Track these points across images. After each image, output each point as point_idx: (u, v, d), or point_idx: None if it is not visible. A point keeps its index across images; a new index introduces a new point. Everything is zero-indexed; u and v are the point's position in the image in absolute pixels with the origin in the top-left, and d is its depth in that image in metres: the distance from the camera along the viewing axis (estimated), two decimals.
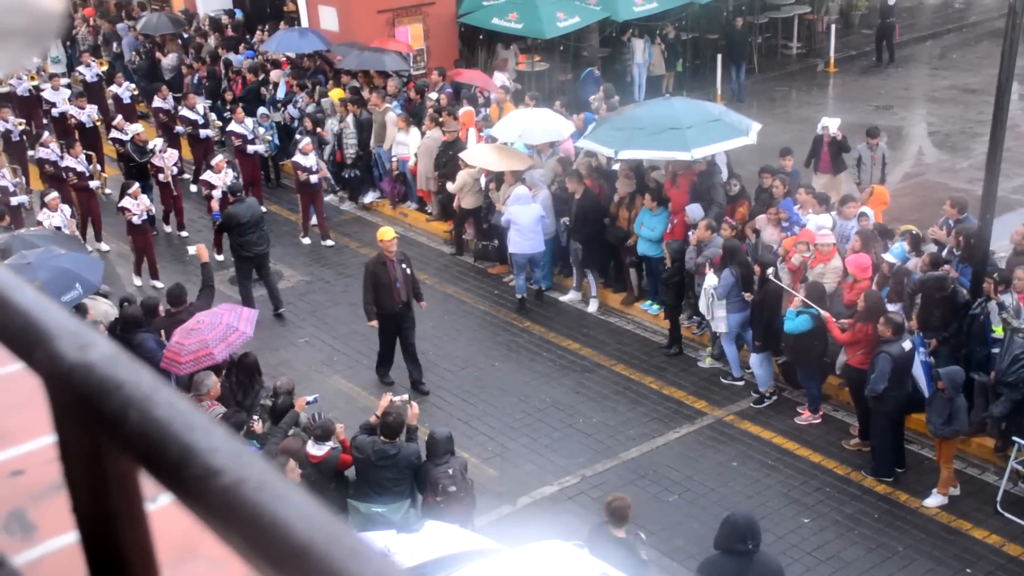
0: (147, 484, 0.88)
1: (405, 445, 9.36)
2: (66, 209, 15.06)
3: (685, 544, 10.06)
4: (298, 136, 17.64)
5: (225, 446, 0.80)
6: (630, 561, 7.99)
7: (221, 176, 15.94)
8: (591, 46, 22.28)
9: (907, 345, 10.51)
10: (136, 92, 21.52)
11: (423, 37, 21.63)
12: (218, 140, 19.56)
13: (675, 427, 12.02)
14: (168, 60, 22.83)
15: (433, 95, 18.11)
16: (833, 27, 25.16)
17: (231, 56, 21.84)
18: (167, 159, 16.76)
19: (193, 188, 18.50)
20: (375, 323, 12.61)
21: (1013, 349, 10.44)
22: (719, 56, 22.61)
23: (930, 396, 10.53)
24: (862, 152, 15.55)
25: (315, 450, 9.31)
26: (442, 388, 12.91)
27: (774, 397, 12.41)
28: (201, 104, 19.14)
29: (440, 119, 16.76)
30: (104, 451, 0.87)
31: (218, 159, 16.31)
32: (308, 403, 10.12)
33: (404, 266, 12.49)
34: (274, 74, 20.44)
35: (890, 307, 11.14)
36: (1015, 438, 10.42)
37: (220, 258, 16.13)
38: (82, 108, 19.26)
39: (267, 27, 22.89)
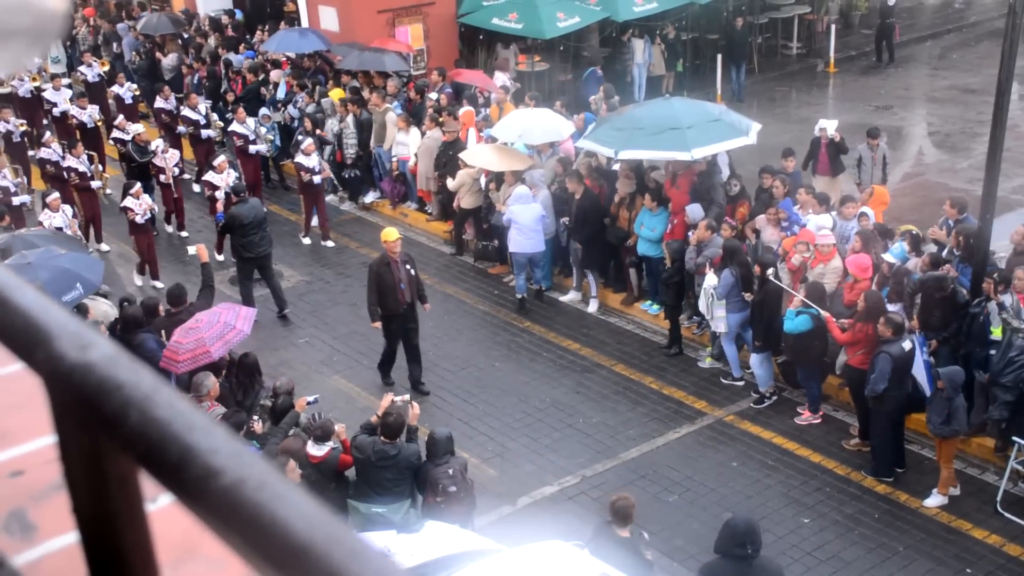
0: (147, 484, 0.88)
1: (405, 446, 9.35)
2: (67, 210, 15.06)
3: (685, 544, 10.06)
4: (300, 137, 17.64)
5: (225, 446, 0.80)
6: (634, 561, 7.99)
7: (223, 177, 15.93)
8: (591, 46, 22.29)
9: (907, 345, 10.51)
10: (138, 92, 21.52)
11: (423, 37, 21.63)
12: (219, 141, 19.56)
13: (675, 427, 12.02)
14: (168, 60, 22.83)
15: (433, 95, 18.11)
16: (833, 27, 25.16)
17: (231, 56, 21.83)
18: (168, 159, 16.75)
19: (196, 188, 18.50)
20: (378, 324, 12.59)
21: (1010, 351, 10.45)
22: (719, 56, 22.61)
23: (931, 396, 10.54)
24: (863, 153, 15.54)
25: (315, 450, 9.31)
26: (442, 388, 12.91)
27: (774, 397, 12.41)
28: (203, 104, 19.14)
29: (440, 119, 16.76)
30: (104, 451, 0.87)
31: (220, 159, 16.29)
32: (309, 403, 10.12)
33: (408, 267, 12.48)
34: (274, 74, 20.44)
35: (890, 307, 11.14)
36: (1015, 438, 10.42)
37: (220, 258, 16.13)
38: (83, 108, 19.27)
39: (267, 27, 22.88)
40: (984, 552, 9.97)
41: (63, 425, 0.90)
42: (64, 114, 19.68)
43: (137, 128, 17.36)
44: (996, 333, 10.65)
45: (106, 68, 22.80)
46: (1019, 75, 14.27)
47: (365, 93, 18.57)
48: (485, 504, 10.17)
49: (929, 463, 11.08)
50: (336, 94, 18.83)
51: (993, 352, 10.71)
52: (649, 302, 14.37)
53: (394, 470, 9.25)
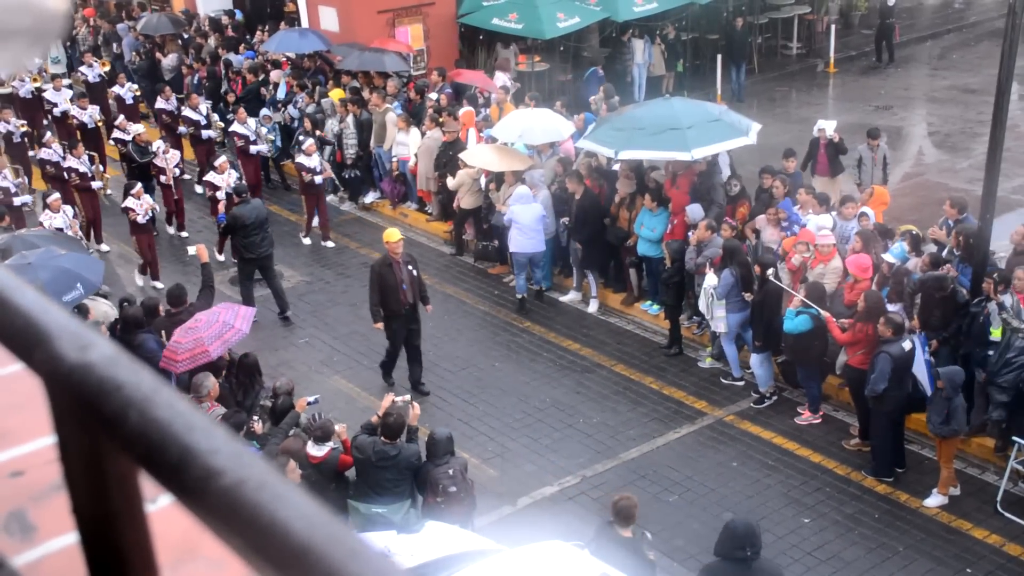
0: (147, 485, 0.88)
1: (406, 446, 9.35)
2: (68, 210, 15.06)
3: (685, 544, 10.06)
4: (301, 137, 17.64)
5: (225, 447, 0.80)
6: (637, 561, 8.00)
7: (225, 177, 15.93)
8: (591, 46, 22.29)
9: (907, 345, 10.51)
10: (139, 93, 21.52)
11: (423, 37, 21.63)
12: (219, 141, 19.56)
13: (675, 427, 12.02)
14: (168, 60, 22.83)
15: (433, 95, 18.12)
16: (833, 27, 25.17)
17: (231, 56, 21.83)
18: (169, 160, 16.75)
19: (199, 190, 18.50)
20: (380, 325, 12.56)
21: (1008, 352, 10.45)
22: (719, 56, 22.61)
23: (931, 395, 10.54)
24: (863, 153, 15.53)
25: (315, 451, 9.31)
26: (442, 388, 12.91)
27: (774, 397, 12.41)
28: (204, 105, 19.14)
29: (440, 119, 16.76)
30: (104, 452, 0.87)
31: (221, 160, 16.28)
32: (309, 403, 10.12)
33: (411, 268, 12.45)
34: (274, 74, 20.44)
35: (890, 307, 11.14)
36: (1015, 438, 10.42)
37: (221, 259, 16.13)
38: (84, 109, 19.27)
39: (267, 27, 22.88)
40: (984, 552, 9.97)
41: (63, 425, 0.90)
42: (64, 114, 19.68)
43: (137, 128, 17.36)
44: (995, 334, 10.64)
45: (107, 68, 22.80)
46: (1019, 75, 14.27)
47: (365, 93, 18.57)
48: (485, 504, 10.17)
49: (929, 463, 11.08)
50: (336, 94, 18.83)
51: (991, 352, 10.71)
52: (649, 302, 14.37)
53: (394, 470, 9.25)
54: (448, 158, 16.17)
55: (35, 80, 21.19)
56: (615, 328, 14.34)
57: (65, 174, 16.56)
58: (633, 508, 8.21)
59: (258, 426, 9.83)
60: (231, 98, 19.87)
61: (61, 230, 14.14)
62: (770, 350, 12.21)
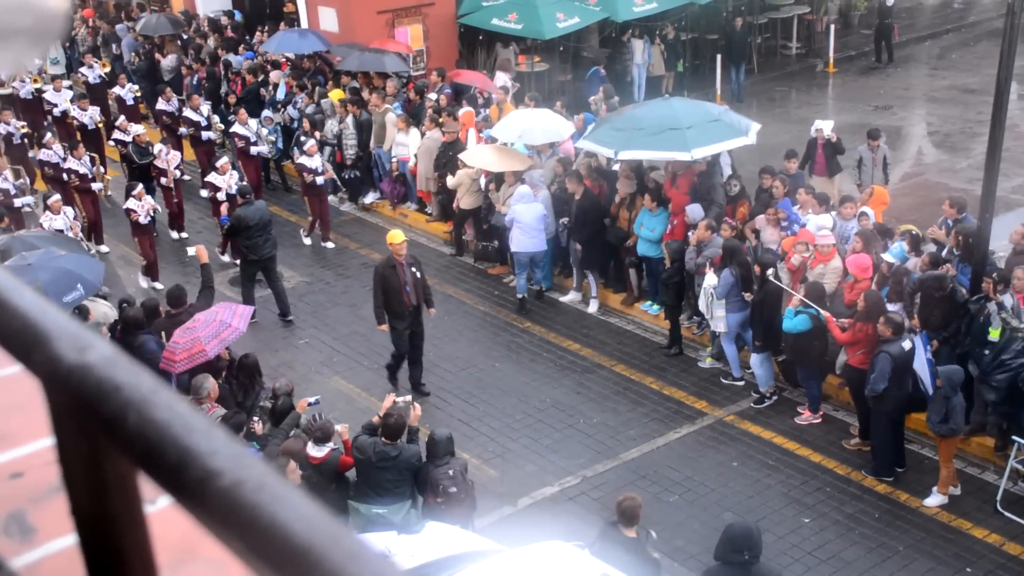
0: (146, 486, 0.88)
1: (406, 447, 9.35)
2: (68, 212, 15.05)
3: (686, 544, 10.06)
4: (302, 138, 17.63)
5: (224, 448, 0.80)
6: (641, 561, 8.00)
7: (226, 178, 15.92)
8: (591, 46, 22.29)
9: (907, 345, 10.51)
10: (139, 94, 21.52)
11: (423, 38, 21.63)
12: (219, 143, 19.55)
13: (675, 427, 12.02)
14: (167, 61, 22.82)
15: (433, 96, 18.11)
16: (832, 27, 25.17)
17: (231, 57, 21.82)
18: (170, 161, 16.74)
19: (205, 193, 18.46)
20: (385, 327, 12.52)
21: (1004, 353, 10.45)
22: (719, 56, 22.62)
23: (932, 394, 10.54)
24: (863, 154, 15.52)
25: (315, 452, 9.31)
26: (442, 389, 12.90)
27: (774, 397, 12.41)
28: (205, 106, 19.14)
29: (440, 120, 16.76)
30: (103, 453, 0.87)
31: (223, 161, 16.27)
32: (310, 404, 10.12)
33: (414, 269, 12.41)
34: (274, 75, 20.43)
35: (890, 307, 11.14)
36: (1015, 437, 10.42)
37: (226, 259, 16.11)
38: (84, 110, 19.26)
39: (267, 28, 22.87)
40: (984, 551, 9.97)
41: (62, 427, 0.90)
42: (64, 115, 19.68)
43: (137, 129, 17.35)
44: (994, 335, 10.62)
45: (107, 70, 22.81)
46: (1018, 75, 14.28)
47: (365, 94, 18.57)
48: (486, 505, 10.17)
49: (929, 462, 11.08)
50: (336, 95, 18.83)
51: (987, 352, 10.70)
52: (649, 302, 14.37)
53: (395, 471, 9.25)
54: (448, 158, 16.17)
55: (35, 81, 21.20)
56: (615, 328, 14.34)
57: (64, 176, 16.55)
58: (637, 508, 8.21)
59: (258, 427, 9.83)
60: (231, 99, 19.86)
61: (61, 231, 14.14)
62: (770, 350, 12.21)
